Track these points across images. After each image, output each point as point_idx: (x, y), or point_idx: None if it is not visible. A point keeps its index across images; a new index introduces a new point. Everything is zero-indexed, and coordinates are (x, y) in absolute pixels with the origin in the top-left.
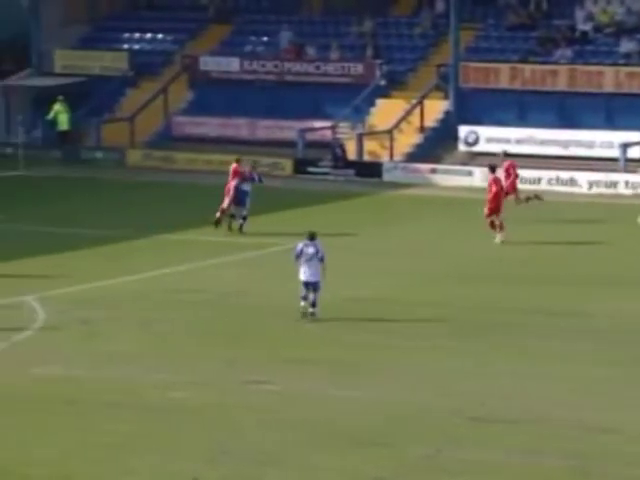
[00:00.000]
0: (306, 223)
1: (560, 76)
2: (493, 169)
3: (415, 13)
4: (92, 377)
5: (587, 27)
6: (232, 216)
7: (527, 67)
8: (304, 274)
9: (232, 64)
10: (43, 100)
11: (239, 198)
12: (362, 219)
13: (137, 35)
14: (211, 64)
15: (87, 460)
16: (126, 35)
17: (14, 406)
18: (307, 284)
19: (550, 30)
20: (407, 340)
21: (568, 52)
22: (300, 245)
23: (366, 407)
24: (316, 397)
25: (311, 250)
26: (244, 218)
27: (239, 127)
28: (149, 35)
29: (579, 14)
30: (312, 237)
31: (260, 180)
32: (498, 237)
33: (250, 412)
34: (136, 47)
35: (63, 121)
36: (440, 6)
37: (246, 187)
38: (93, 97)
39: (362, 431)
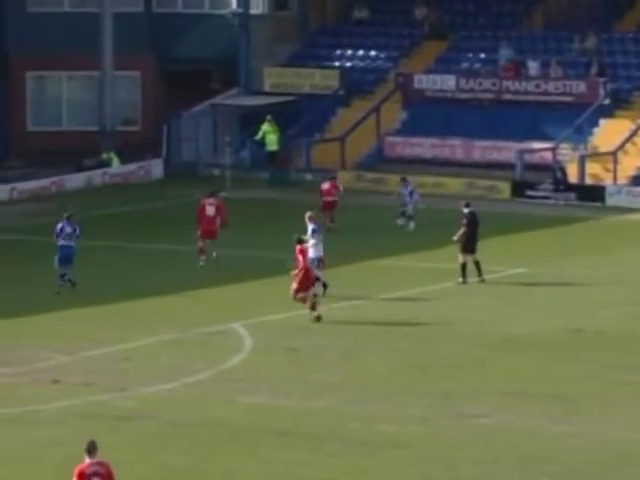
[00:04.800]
0: (526, 249)
1: None
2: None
3: None
4: (300, 408)
5: None
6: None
7: None
8: (320, 250)
9: (448, 82)
10: (251, 120)
11: (68, 257)
12: (584, 245)
13: (349, 52)
14: (426, 82)
15: None
16: (337, 52)
17: (220, 436)
18: (321, 259)
19: None
20: (629, 373)
21: None
22: (312, 225)
23: (585, 444)
24: (532, 432)
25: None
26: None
27: (454, 148)
28: (361, 52)
29: None
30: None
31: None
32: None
33: (463, 447)
34: (348, 64)
35: (272, 141)
36: None
37: (69, 243)
38: (303, 117)
39: (581, 469)
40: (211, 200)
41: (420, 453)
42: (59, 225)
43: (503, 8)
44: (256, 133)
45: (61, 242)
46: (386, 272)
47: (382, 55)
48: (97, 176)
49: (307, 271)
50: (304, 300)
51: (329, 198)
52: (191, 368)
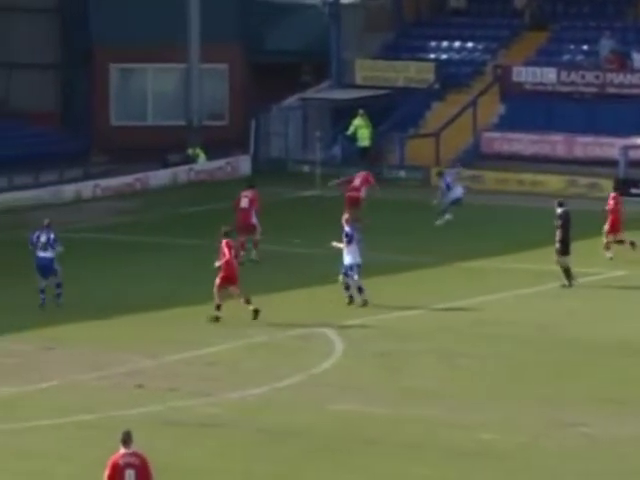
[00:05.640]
0: (628, 250)
1: None
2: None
3: None
4: (392, 415)
5: None
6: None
7: None
8: (357, 256)
9: (548, 75)
10: (343, 114)
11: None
12: None
13: (445, 44)
14: (525, 75)
15: None
16: (432, 44)
17: (310, 444)
18: (359, 266)
19: None
20: None
21: None
22: (349, 228)
23: None
24: (637, 443)
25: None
26: (58, 285)
27: (555, 144)
28: (458, 43)
29: None
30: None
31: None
32: None
33: (566, 458)
34: (443, 57)
35: (364, 137)
36: None
37: (46, 253)
38: (396, 111)
39: None
40: (247, 192)
41: (521, 463)
42: (35, 234)
43: None
44: (347, 128)
45: (38, 253)
46: (481, 273)
47: (479, 47)
48: (182, 173)
49: (230, 266)
50: (225, 298)
51: (355, 194)
52: (279, 373)
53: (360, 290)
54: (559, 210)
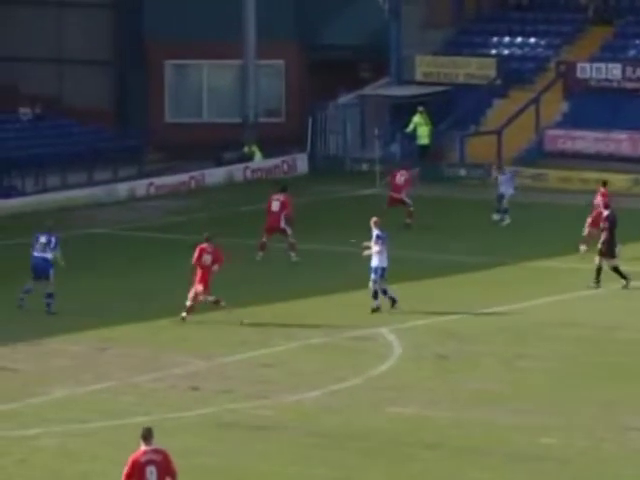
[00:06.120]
0: None
1: None
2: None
3: None
4: (453, 419)
5: None
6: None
7: None
8: (384, 259)
9: (613, 71)
10: (402, 111)
11: (41, 269)
12: None
13: (506, 39)
14: (589, 71)
15: None
16: (494, 39)
17: (368, 448)
18: (384, 269)
19: None
20: None
21: None
22: (377, 231)
23: None
24: None
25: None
26: (49, 296)
27: (620, 142)
28: (520, 39)
29: None
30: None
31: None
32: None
33: (629, 463)
34: (505, 52)
35: (423, 134)
36: None
37: (42, 254)
38: (457, 108)
39: None
40: (278, 195)
41: (582, 468)
42: (36, 235)
43: None
44: (407, 125)
45: (34, 253)
46: (543, 274)
47: (542, 42)
48: (238, 171)
49: (204, 273)
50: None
51: (397, 195)
52: (336, 375)
53: (385, 292)
54: (605, 212)
